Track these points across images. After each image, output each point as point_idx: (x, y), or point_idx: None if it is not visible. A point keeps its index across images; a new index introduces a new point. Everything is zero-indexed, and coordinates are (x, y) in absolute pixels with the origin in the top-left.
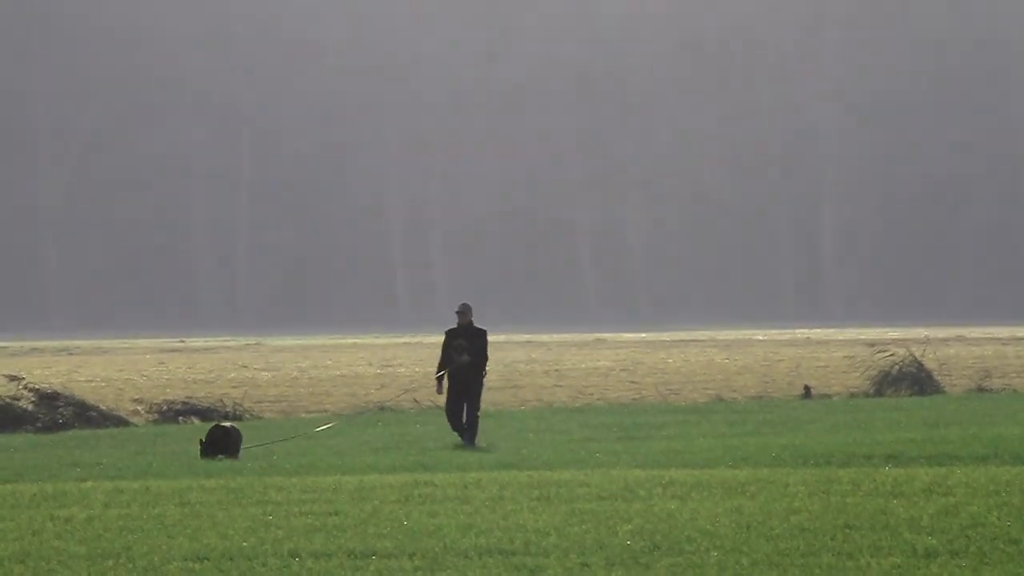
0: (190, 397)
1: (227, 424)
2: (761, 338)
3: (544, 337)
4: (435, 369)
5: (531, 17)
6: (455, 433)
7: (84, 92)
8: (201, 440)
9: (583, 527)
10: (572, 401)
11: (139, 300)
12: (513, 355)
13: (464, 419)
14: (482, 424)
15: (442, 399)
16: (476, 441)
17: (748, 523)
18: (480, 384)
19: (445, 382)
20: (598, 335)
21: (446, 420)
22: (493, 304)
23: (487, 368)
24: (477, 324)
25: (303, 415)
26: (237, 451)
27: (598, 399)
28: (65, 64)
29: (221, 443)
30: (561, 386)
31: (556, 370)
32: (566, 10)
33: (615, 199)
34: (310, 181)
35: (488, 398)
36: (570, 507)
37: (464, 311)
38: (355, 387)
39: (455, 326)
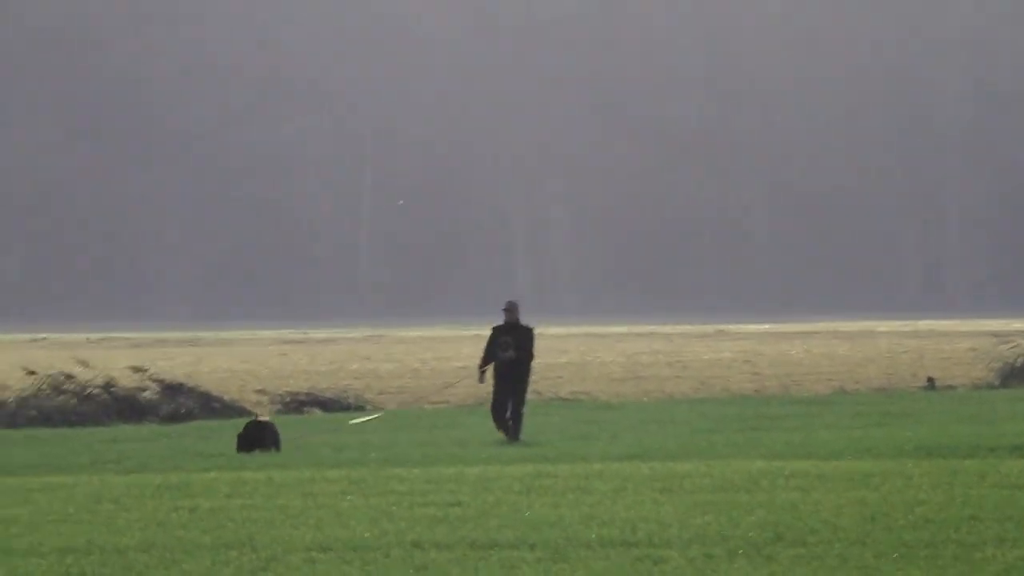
0: (312, 388)
1: (263, 419)
2: (884, 329)
3: (666, 328)
4: (479, 363)
5: (652, 8)
6: (499, 430)
7: (206, 83)
8: (238, 435)
9: (705, 518)
10: (694, 392)
11: (262, 291)
12: (635, 347)
13: (508, 415)
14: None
15: (482, 388)
16: (521, 436)
17: (871, 515)
18: (526, 381)
19: (489, 377)
20: (720, 326)
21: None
22: (613, 295)
23: (532, 365)
24: (534, 321)
25: (425, 406)
26: (276, 444)
27: (720, 390)
28: (187, 55)
29: (257, 438)
30: (683, 377)
31: (678, 361)
32: (687, 2)
33: (737, 190)
34: (431, 171)
35: (610, 389)
36: (692, 498)
37: (511, 308)
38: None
39: (502, 323)
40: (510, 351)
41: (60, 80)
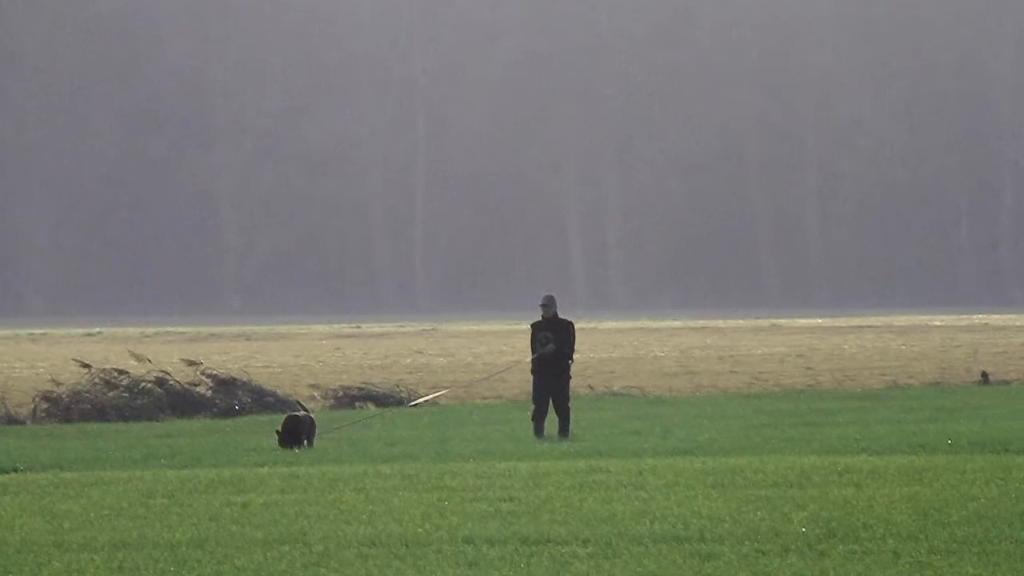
0: (366, 383)
1: (300, 413)
2: (938, 324)
3: (719, 323)
4: (529, 361)
5: (708, 3)
6: (534, 427)
7: (261, 77)
8: (277, 431)
9: (758, 514)
10: (747, 387)
11: (316, 285)
12: (688, 341)
13: (556, 411)
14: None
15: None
16: (570, 432)
17: (925, 510)
18: (567, 376)
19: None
20: (773, 321)
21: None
22: (666, 289)
23: (573, 359)
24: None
25: (477, 401)
26: (311, 438)
27: (773, 385)
28: (243, 49)
29: (296, 432)
30: (736, 372)
31: (731, 356)
32: None
33: (791, 184)
34: (486, 166)
35: (663, 384)
36: (745, 494)
37: (548, 303)
38: (528, 373)
39: (540, 319)
40: (550, 345)
41: (117, 72)
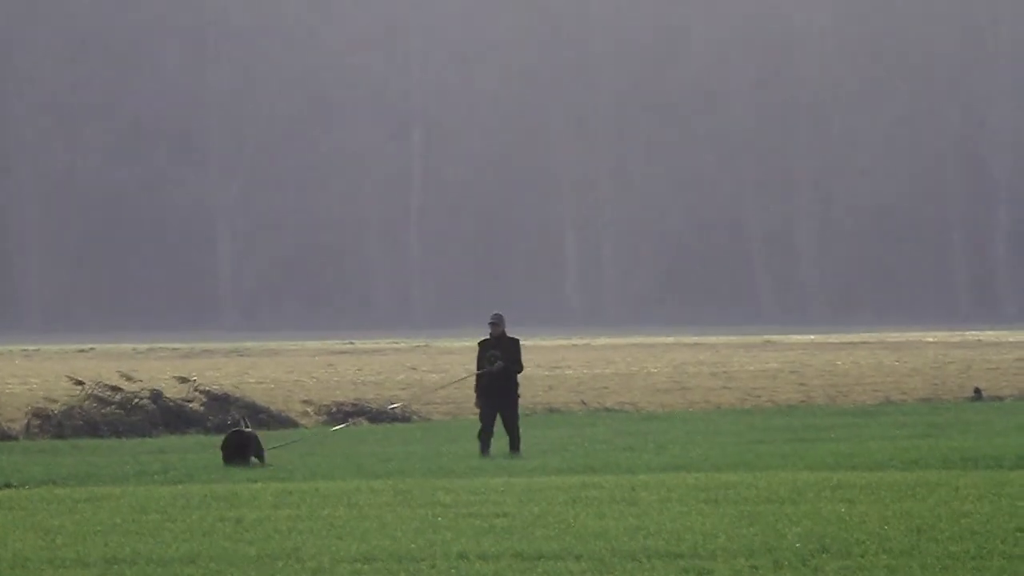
0: (359, 399)
1: (246, 429)
2: (931, 340)
3: (712, 339)
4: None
5: (704, 17)
6: (480, 445)
7: (257, 92)
8: (221, 448)
9: (751, 529)
10: (740, 403)
11: (312, 300)
12: (681, 356)
13: (505, 429)
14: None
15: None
16: (521, 449)
17: (918, 526)
18: (516, 393)
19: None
20: (767, 337)
21: (477, 436)
22: (662, 305)
23: (519, 379)
24: (512, 334)
25: (471, 416)
26: (260, 455)
27: (766, 401)
28: (239, 64)
29: (244, 447)
30: (729, 388)
31: (724, 372)
32: (737, 12)
33: (786, 200)
34: (482, 182)
35: (656, 400)
36: (738, 509)
37: (497, 321)
38: (523, 388)
39: (487, 337)
40: (498, 363)
41: (112, 87)
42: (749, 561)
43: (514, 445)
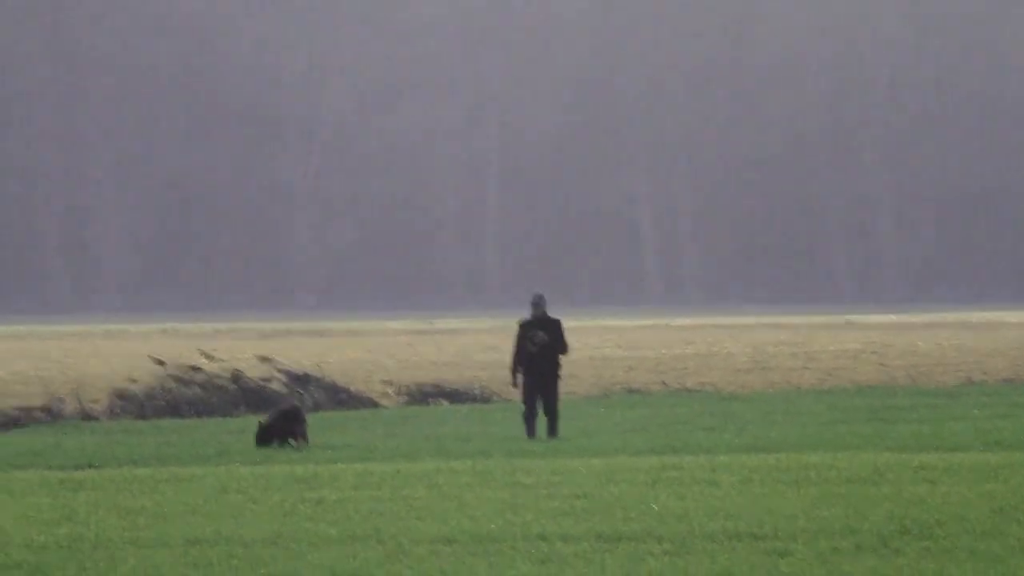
0: (439, 379)
1: (288, 407)
2: (1013, 320)
3: (792, 319)
4: (510, 364)
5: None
6: (525, 428)
7: (333, 74)
8: (261, 423)
9: (832, 511)
10: (820, 384)
11: (389, 281)
12: (761, 337)
13: (544, 411)
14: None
15: (516, 392)
16: (559, 431)
17: (1001, 507)
18: (557, 375)
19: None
20: (847, 317)
21: (521, 414)
22: (738, 284)
23: (563, 359)
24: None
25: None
26: (304, 434)
27: (847, 381)
28: (315, 46)
29: (283, 429)
30: (809, 368)
31: (804, 352)
32: None
33: (866, 179)
34: (557, 163)
35: (736, 380)
36: (819, 491)
37: (539, 302)
38: (602, 369)
39: (529, 317)
40: (540, 334)
41: (190, 69)
42: (830, 543)
43: (552, 429)
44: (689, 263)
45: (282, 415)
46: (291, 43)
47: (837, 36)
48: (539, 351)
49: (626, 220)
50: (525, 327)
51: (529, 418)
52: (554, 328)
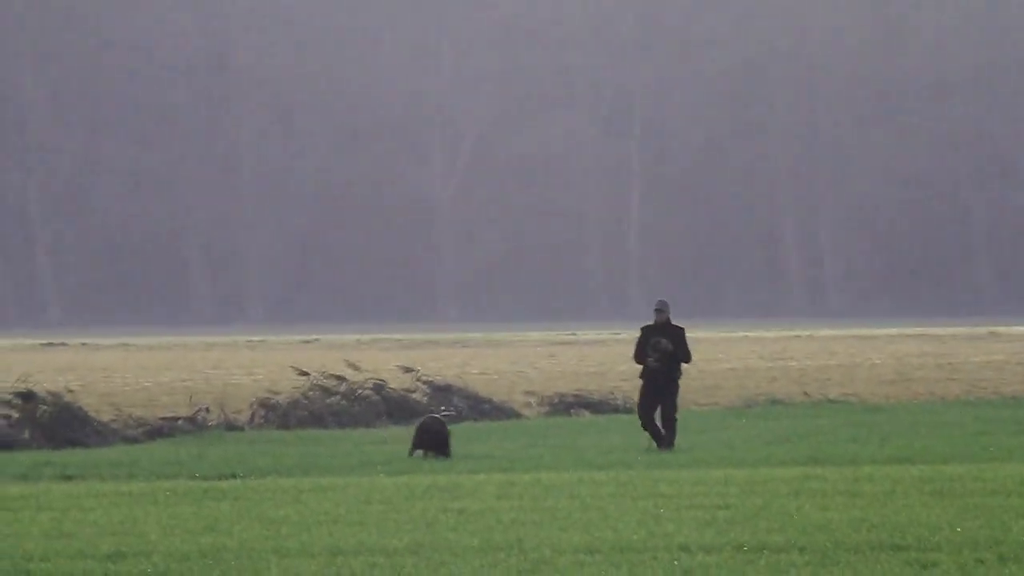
0: (580, 390)
1: (443, 414)
2: None
3: (937, 330)
4: (635, 364)
5: (923, 10)
6: (646, 432)
7: (476, 87)
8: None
9: (976, 522)
10: (965, 394)
11: (530, 293)
12: (905, 348)
13: (661, 423)
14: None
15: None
16: (675, 443)
17: None
18: (676, 384)
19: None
20: (992, 328)
21: (639, 419)
22: (881, 295)
23: (683, 369)
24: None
25: (692, 407)
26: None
27: (992, 393)
28: (457, 59)
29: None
30: (953, 379)
31: (948, 363)
32: (958, 3)
33: (1008, 190)
34: (700, 173)
35: (880, 391)
36: (963, 502)
37: (663, 308)
38: (745, 380)
39: (651, 323)
40: (664, 341)
41: (333, 84)
42: (974, 554)
43: (669, 440)
44: (832, 273)
45: (425, 430)
46: (434, 56)
47: (986, 51)
48: (659, 358)
49: (769, 230)
50: (647, 331)
51: (652, 428)
52: (677, 335)
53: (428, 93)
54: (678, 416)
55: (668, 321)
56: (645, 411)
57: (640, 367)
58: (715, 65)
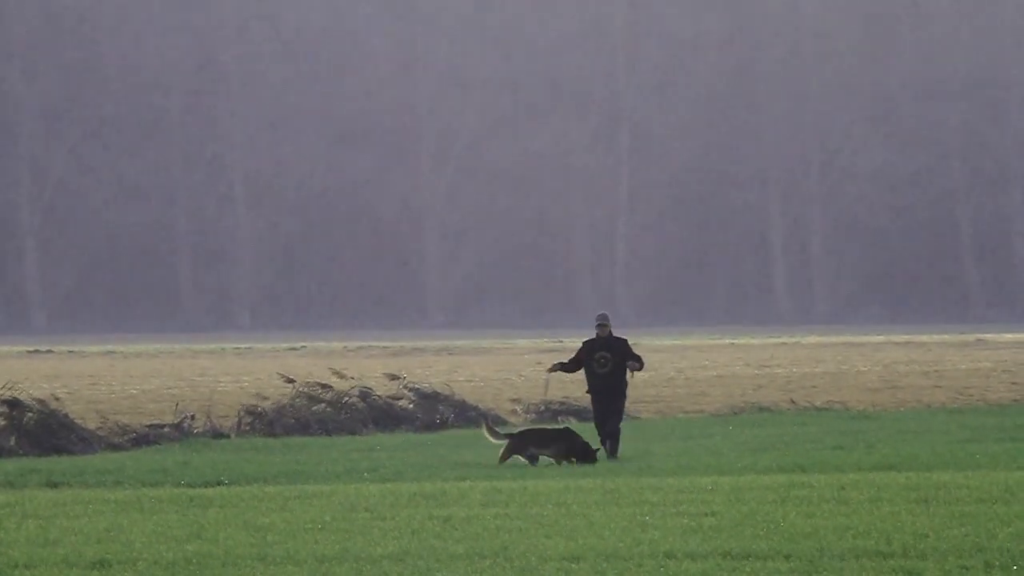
0: (567, 397)
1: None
2: None
3: (923, 337)
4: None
5: (912, 15)
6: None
7: (464, 93)
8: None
9: (962, 530)
10: (951, 402)
11: (517, 300)
12: (891, 355)
13: (605, 431)
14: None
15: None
16: (619, 453)
17: None
18: (623, 396)
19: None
20: (979, 335)
21: (596, 430)
22: (871, 303)
23: (632, 375)
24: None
25: (679, 415)
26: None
27: (978, 400)
28: (447, 64)
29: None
30: (940, 387)
31: (935, 371)
32: (947, 8)
33: (998, 198)
34: (688, 180)
35: (866, 399)
36: (949, 509)
37: (604, 322)
38: (732, 387)
39: (594, 336)
40: (608, 366)
41: (321, 88)
42: (960, 561)
43: (613, 450)
44: (820, 281)
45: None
46: (422, 62)
47: (977, 54)
48: (608, 372)
49: (757, 238)
50: (590, 345)
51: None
52: (620, 347)
53: (417, 100)
54: (621, 426)
55: (610, 334)
56: (602, 421)
57: (586, 379)
58: (705, 72)
